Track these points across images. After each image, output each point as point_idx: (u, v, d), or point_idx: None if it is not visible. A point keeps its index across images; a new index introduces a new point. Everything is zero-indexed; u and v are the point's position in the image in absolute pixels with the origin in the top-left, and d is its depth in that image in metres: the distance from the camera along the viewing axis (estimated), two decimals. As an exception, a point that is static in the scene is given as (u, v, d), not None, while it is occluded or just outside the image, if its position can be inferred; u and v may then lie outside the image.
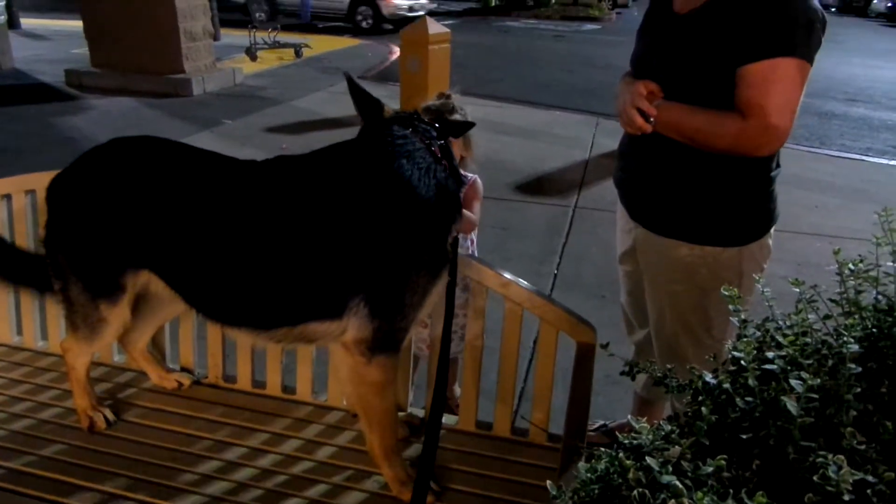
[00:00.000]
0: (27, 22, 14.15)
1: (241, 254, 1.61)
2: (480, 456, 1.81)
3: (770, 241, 1.89)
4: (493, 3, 22.50)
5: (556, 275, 4.11)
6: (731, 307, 1.05)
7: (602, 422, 2.63)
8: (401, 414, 1.94)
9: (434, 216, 1.58)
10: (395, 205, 1.54)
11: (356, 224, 1.53)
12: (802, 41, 1.59)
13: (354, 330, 1.58)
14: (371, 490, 1.69)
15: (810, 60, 1.61)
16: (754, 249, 1.83)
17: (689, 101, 1.70)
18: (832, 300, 1.11)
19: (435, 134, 1.66)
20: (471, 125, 1.84)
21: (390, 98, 8.28)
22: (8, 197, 2.20)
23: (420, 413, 1.97)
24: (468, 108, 2.20)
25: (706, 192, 1.79)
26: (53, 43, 12.39)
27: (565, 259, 4.33)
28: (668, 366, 1.14)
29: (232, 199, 1.63)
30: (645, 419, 0.93)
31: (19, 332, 2.27)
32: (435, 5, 18.77)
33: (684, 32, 1.74)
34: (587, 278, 4.03)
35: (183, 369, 2.14)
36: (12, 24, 12.11)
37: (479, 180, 2.28)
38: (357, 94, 1.71)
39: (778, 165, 1.84)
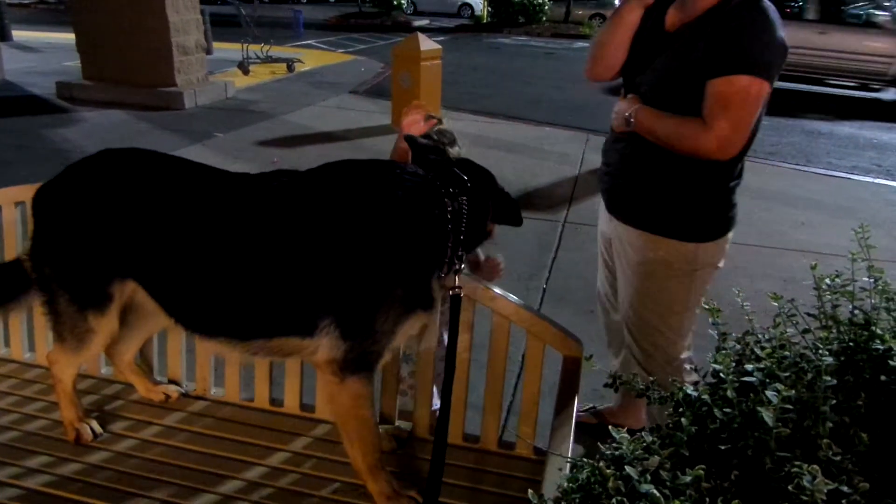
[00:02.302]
0: (19, 34, 14.15)
1: (218, 265, 1.63)
2: (467, 468, 1.82)
3: (727, 246, 2.10)
4: (485, 20, 22.73)
5: (544, 289, 4.14)
6: (710, 320, 1.08)
7: (591, 405, 2.80)
8: (388, 427, 1.94)
9: (414, 253, 1.59)
10: (371, 233, 1.56)
11: (330, 247, 1.55)
12: (767, 63, 1.78)
13: (326, 350, 1.59)
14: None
15: (770, 81, 1.79)
16: (710, 249, 2.04)
17: (668, 109, 1.90)
18: (810, 314, 1.14)
19: (457, 184, 1.63)
20: (516, 216, 1.76)
21: (382, 113, 8.38)
22: (-3, 208, 2.21)
23: (407, 426, 1.98)
24: (455, 124, 2.20)
25: (672, 190, 2.00)
26: (45, 55, 12.40)
27: (554, 274, 4.35)
28: (651, 378, 1.17)
29: (214, 211, 1.64)
30: (626, 429, 0.94)
31: (6, 343, 2.26)
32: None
33: (669, 47, 1.94)
34: (576, 293, 4.05)
35: (171, 381, 2.14)
36: (4, 36, 12.15)
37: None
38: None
39: (739, 176, 2.03)
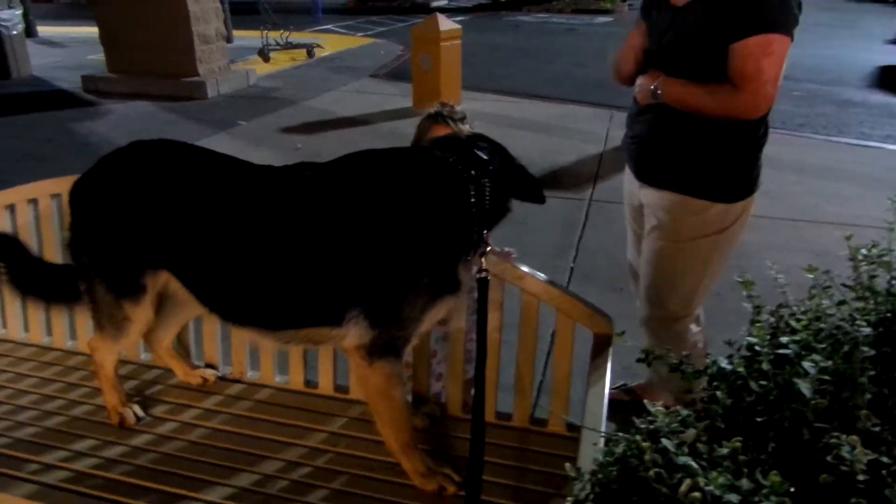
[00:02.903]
0: (43, 30, 14.35)
1: (249, 257, 1.65)
2: (500, 446, 1.84)
3: (752, 209, 2.17)
4: (504, -2, 22.42)
5: (572, 268, 4.13)
6: (744, 293, 1.07)
7: (623, 382, 2.82)
8: (422, 406, 1.97)
9: (440, 243, 1.60)
10: (397, 223, 1.57)
11: (356, 239, 1.57)
12: (785, 20, 1.86)
13: (354, 337, 1.62)
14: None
15: (791, 37, 1.89)
16: (737, 210, 2.11)
17: (691, 77, 1.97)
18: (846, 286, 1.12)
19: (479, 167, 1.63)
20: (537, 193, 1.75)
21: (402, 96, 8.36)
22: (34, 201, 2.27)
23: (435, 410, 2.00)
24: (477, 104, 2.19)
25: (702, 152, 2.05)
26: (69, 50, 12.58)
27: (581, 252, 4.34)
28: (684, 353, 1.17)
29: (243, 204, 1.67)
30: (661, 403, 0.95)
31: (49, 332, 2.33)
32: None
33: (682, 21, 2.00)
34: (604, 271, 4.03)
35: (207, 365, 2.19)
36: (29, 32, 12.30)
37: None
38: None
39: (765, 134, 2.09)
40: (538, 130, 7.07)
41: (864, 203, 5.06)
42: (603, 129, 7.08)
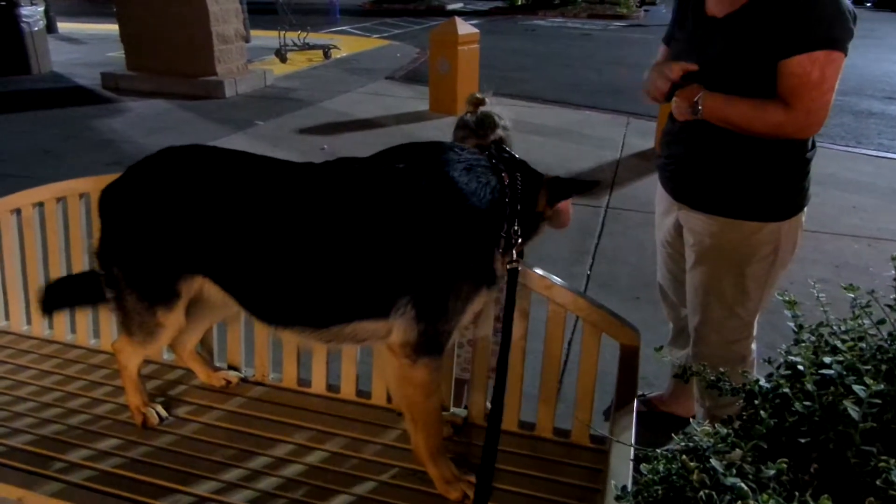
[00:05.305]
0: (63, 26, 14.50)
1: (294, 255, 1.64)
2: (523, 455, 1.83)
3: (803, 219, 2.08)
4: (520, 2, 22.44)
5: (588, 276, 4.11)
6: (787, 312, 1.06)
7: (641, 392, 2.74)
8: (444, 413, 1.96)
9: (482, 229, 1.61)
10: (445, 211, 1.57)
11: (406, 226, 1.57)
12: (840, 35, 1.77)
13: (400, 332, 1.62)
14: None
15: (846, 52, 1.80)
16: (792, 226, 2.02)
17: (732, 93, 1.87)
18: (889, 305, 1.11)
19: (519, 170, 1.66)
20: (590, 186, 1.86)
21: (419, 99, 8.38)
22: (62, 199, 2.28)
23: (463, 413, 2.00)
24: (495, 108, 2.09)
25: (749, 172, 1.96)
26: (89, 46, 12.69)
27: (598, 260, 4.32)
28: (722, 370, 1.16)
29: (283, 202, 1.66)
30: (707, 422, 0.94)
31: (73, 330, 2.35)
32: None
33: (725, 33, 1.89)
34: (621, 279, 4.02)
35: (230, 367, 2.19)
36: (49, 28, 12.42)
37: None
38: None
39: (813, 146, 2.01)
40: (554, 136, 7.05)
41: (884, 216, 5.02)
42: (619, 135, 7.07)
